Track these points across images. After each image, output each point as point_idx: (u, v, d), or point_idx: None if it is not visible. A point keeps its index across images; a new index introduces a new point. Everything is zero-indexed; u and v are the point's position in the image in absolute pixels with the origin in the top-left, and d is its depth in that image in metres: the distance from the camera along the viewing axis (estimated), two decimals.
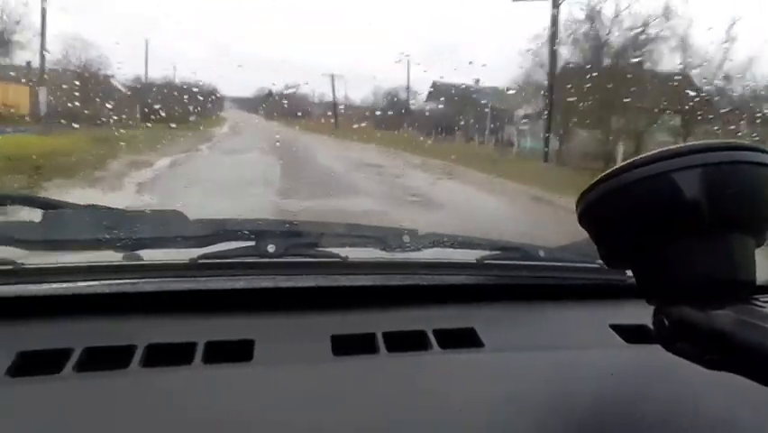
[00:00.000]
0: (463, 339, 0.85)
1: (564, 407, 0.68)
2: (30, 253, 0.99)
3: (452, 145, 15.02)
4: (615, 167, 0.55)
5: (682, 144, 0.53)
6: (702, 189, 0.50)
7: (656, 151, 0.53)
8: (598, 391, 0.72)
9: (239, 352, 0.76)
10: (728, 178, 0.51)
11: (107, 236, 0.99)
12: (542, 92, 14.02)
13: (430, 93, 16.09)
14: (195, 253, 0.98)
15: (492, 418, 0.65)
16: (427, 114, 16.20)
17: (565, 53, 14.80)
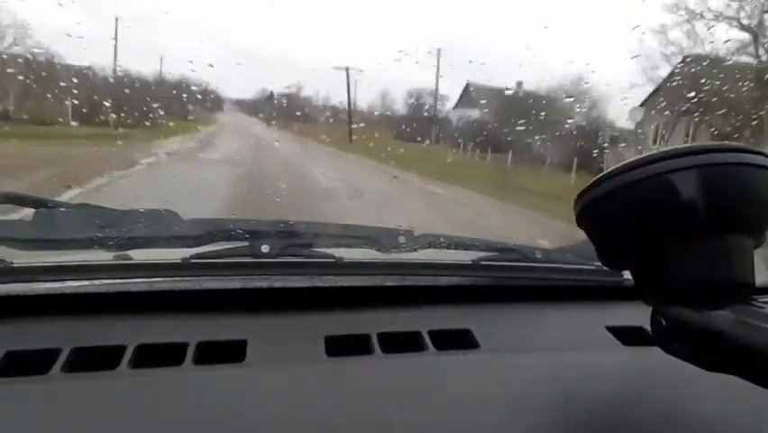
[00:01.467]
0: (459, 340, 0.84)
1: (561, 409, 0.67)
2: (20, 252, 0.98)
3: (554, 179, 9.93)
4: (612, 168, 0.55)
5: (680, 146, 0.53)
6: (700, 191, 0.50)
7: (654, 152, 0.53)
8: (595, 393, 0.72)
9: (231, 352, 0.75)
10: (726, 179, 0.51)
11: (99, 235, 0.98)
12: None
13: (461, 98, 12.53)
14: (187, 252, 0.97)
15: (488, 419, 0.64)
16: (462, 124, 11.94)
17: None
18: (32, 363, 0.69)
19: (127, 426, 0.60)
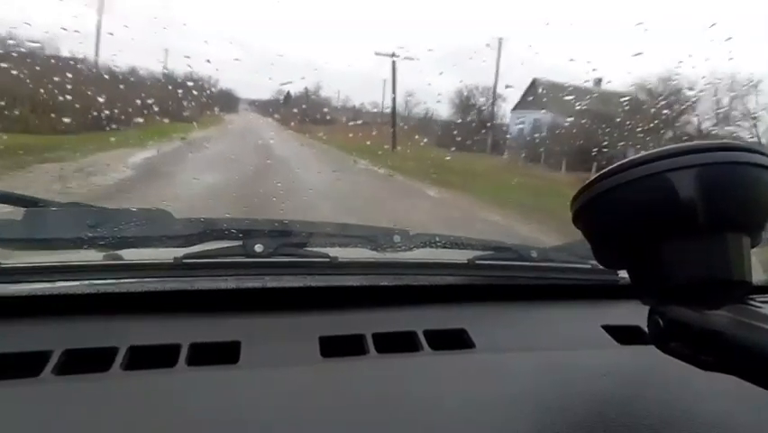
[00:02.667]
0: (454, 340, 0.84)
1: (556, 408, 0.67)
2: (10, 252, 0.97)
3: None
4: (610, 167, 0.55)
5: (678, 144, 0.53)
6: (698, 189, 0.50)
7: (652, 151, 0.53)
8: (591, 392, 0.71)
9: (225, 354, 0.74)
10: (724, 178, 0.51)
11: (90, 235, 0.97)
12: None
13: (525, 97, 9.65)
14: (180, 252, 0.96)
15: (484, 419, 0.64)
16: (547, 131, 8.42)
17: None
18: (22, 366, 0.68)
19: (120, 429, 0.59)
